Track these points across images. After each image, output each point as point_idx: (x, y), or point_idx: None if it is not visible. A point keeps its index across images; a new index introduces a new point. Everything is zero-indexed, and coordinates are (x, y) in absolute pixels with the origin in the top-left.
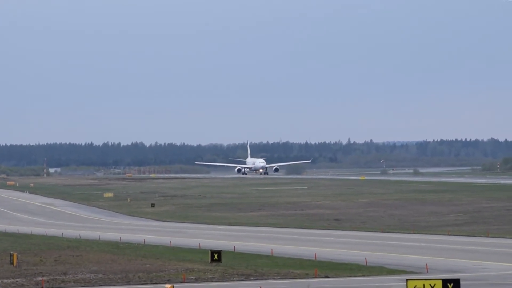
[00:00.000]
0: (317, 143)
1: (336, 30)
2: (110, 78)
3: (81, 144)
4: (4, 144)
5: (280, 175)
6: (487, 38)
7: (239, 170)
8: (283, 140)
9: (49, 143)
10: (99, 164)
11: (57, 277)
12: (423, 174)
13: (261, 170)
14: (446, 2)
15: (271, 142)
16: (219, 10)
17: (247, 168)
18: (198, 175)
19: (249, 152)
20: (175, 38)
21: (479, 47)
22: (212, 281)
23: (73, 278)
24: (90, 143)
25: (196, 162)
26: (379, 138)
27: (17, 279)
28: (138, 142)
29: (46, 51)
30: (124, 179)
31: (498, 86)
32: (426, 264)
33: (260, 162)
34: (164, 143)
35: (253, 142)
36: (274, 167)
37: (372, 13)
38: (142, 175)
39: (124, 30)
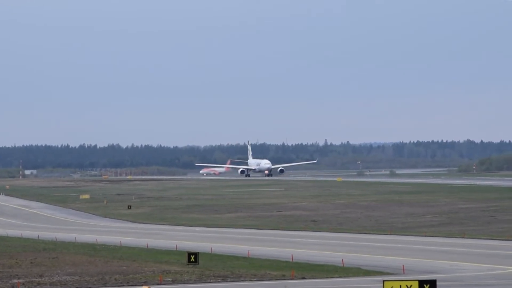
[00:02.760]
0: (294, 144)
1: (313, 30)
2: (85, 79)
3: (57, 146)
4: None
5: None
6: (465, 40)
7: (242, 172)
8: (260, 142)
9: (25, 145)
10: (76, 166)
11: (33, 279)
12: (399, 176)
13: (266, 172)
14: (432, 3)
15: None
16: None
17: (251, 169)
18: (175, 177)
19: (250, 153)
20: (150, 38)
21: (455, 49)
22: (189, 283)
23: (49, 280)
24: (66, 145)
25: (196, 164)
26: (356, 140)
27: None
28: (114, 144)
29: (20, 51)
30: (100, 181)
31: (473, 88)
32: (403, 265)
33: (265, 163)
34: (141, 145)
35: (229, 144)
36: (280, 168)
37: (351, 14)
38: (119, 177)
39: (90, 26)
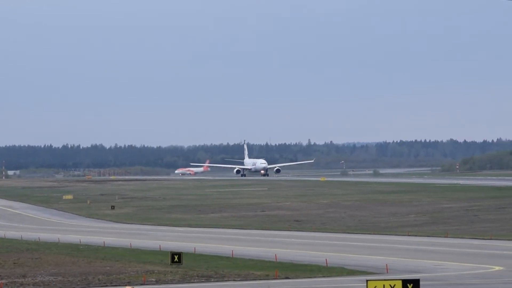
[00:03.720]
0: (277, 144)
1: (295, 29)
2: (68, 80)
3: (41, 146)
4: None
5: (281, 176)
6: (448, 40)
7: (238, 172)
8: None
9: (7, 145)
10: (59, 166)
11: (16, 280)
12: (383, 175)
13: (262, 171)
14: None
15: (231, 143)
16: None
17: (246, 169)
18: (159, 177)
19: (246, 152)
20: (138, 35)
21: (439, 49)
22: (173, 283)
23: (32, 281)
24: (49, 145)
25: (191, 163)
26: (339, 139)
27: None
28: (97, 144)
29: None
30: (83, 181)
31: (457, 87)
32: (386, 265)
33: (261, 163)
34: (124, 145)
35: (213, 144)
36: (276, 168)
37: (334, 14)
38: (102, 177)
39: (63, 27)
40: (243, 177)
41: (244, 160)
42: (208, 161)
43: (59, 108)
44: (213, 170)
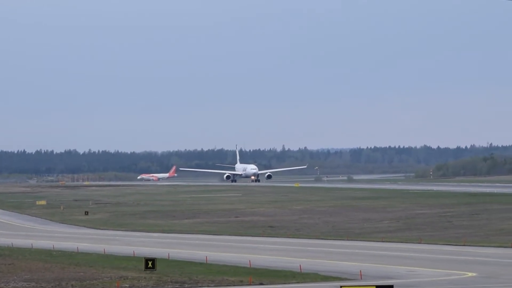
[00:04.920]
0: (251, 150)
1: (267, 34)
2: (40, 84)
3: (13, 151)
4: None
5: (272, 181)
6: (420, 45)
7: (228, 177)
8: (218, 147)
9: None
10: (32, 172)
11: None
12: (356, 181)
13: (252, 177)
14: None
15: (205, 149)
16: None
17: (237, 174)
18: (132, 183)
19: (238, 157)
20: (114, 40)
21: (412, 54)
22: None
23: (5, 286)
24: (22, 150)
25: (181, 168)
26: (313, 145)
27: None
28: (71, 149)
29: None
30: (57, 186)
31: (430, 93)
32: (360, 271)
33: (251, 168)
34: (98, 151)
35: (187, 149)
36: (267, 174)
37: (304, 19)
38: (76, 183)
39: (39, 23)
40: (230, 183)
41: (236, 166)
42: (174, 167)
43: (32, 114)
44: (204, 175)
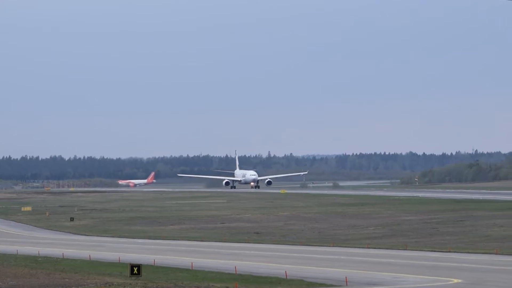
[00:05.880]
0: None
1: (252, 42)
2: (26, 90)
3: None
4: None
5: (271, 188)
6: (406, 52)
7: (227, 183)
8: (204, 154)
9: None
10: (17, 178)
11: None
12: (342, 188)
13: (252, 183)
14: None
15: (191, 155)
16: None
17: (236, 180)
18: (118, 189)
19: (237, 163)
20: (91, 46)
21: (398, 61)
22: None
23: None
24: (8, 156)
25: (179, 174)
26: (299, 152)
27: None
28: (57, 155)
29: None
30: (42, 192)
31: (416, 100)
32: (346, 277)
33: (251, 175)
34: (84, 157)
35: (173, 156)
36: (267, 180)
37: (296, 25)
38: (61, 189)
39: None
40: (232, 189)
41: (235, 172)
42: (153, 173)
43: (18, 119)
44: (200, 181)
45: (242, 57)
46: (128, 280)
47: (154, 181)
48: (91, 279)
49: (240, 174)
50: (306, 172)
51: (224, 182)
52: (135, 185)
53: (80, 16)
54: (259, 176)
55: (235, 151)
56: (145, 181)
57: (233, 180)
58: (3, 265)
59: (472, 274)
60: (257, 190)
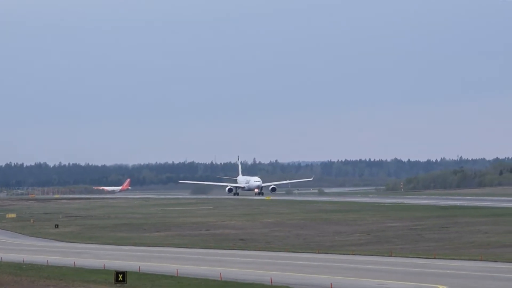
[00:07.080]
0: (222, 163)
1: (238, 46)
2: (11, 96)
3: None
4: None
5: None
6: (392, 58)
7: (230, 190)
8: (189, 160)
9: None
10: (2, 185)
11: None
12: (327, 194)
13: (256, 190)
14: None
15: (176, 162)
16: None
17: (239, 187)
18: (103, 196)
19: (240, 169)
20: (78, 55)
21: (383, 67)
22: None
23: None
24: None
25: (180, 181)
26: (284, 158)
27: None
28: (41, 162)
29: None
30: (27, 199)
31: (401, 106)
32: (331, 284)
33: (255, 181)
34: (68, 164)
35: (158, 162)
36: (271, 186)
37: (258, 29)
38: (46, 196)
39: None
40: (235, 196)
41: (238, 178)
42: (129, 180)
43: (2, 126)
44: (198, 187)
45: (223, 61)
46: (113, 287)
47: (130, 188)
48: (76, 286)
49: (243, 180)
50: (311, 179)
51: (227, 189)
52: (108, 192)
53: (64, 28)
54: (269, 183)
55: (238, 157)
56: (119, 188)
57: (236, 187)
58: None
59: (457, 280)
60: (241, 197)
